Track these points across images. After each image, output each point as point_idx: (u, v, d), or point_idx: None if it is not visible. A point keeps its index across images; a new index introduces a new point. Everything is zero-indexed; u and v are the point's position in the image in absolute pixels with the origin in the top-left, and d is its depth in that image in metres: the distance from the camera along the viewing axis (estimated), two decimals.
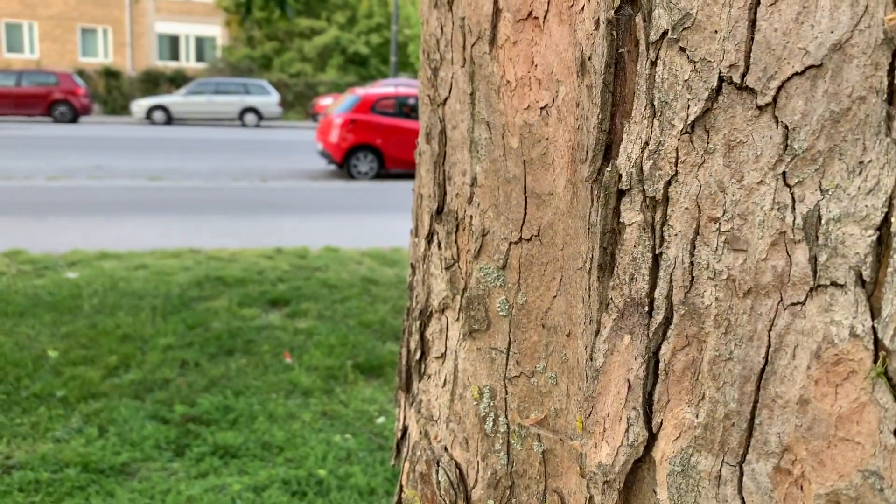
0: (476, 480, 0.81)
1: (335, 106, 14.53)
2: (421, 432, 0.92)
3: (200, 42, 38.91)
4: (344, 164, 13.28)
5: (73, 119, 24.39)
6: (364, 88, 15.55)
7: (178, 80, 30.03)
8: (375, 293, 5.65)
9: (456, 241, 0.83)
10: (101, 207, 9.29)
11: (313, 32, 35.81)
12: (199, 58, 38.47)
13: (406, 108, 13.43)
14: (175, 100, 25.48)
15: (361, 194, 11.51)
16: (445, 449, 0.86)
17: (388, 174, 13.48)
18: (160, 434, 3.27)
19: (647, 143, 0.55)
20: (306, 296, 5.49)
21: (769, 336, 0.50)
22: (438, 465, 0.86)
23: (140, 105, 25.30)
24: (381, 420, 3.55)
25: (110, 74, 29.37)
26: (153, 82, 29.85)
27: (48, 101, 24.06)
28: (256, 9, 6.95)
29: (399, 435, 1.02)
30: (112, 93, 29.32)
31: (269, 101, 26.11)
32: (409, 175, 12.42)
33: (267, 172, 13.49)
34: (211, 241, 7.51)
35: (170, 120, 25.16)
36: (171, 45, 38.55)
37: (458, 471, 0.84)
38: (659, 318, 0.56)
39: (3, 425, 3.33)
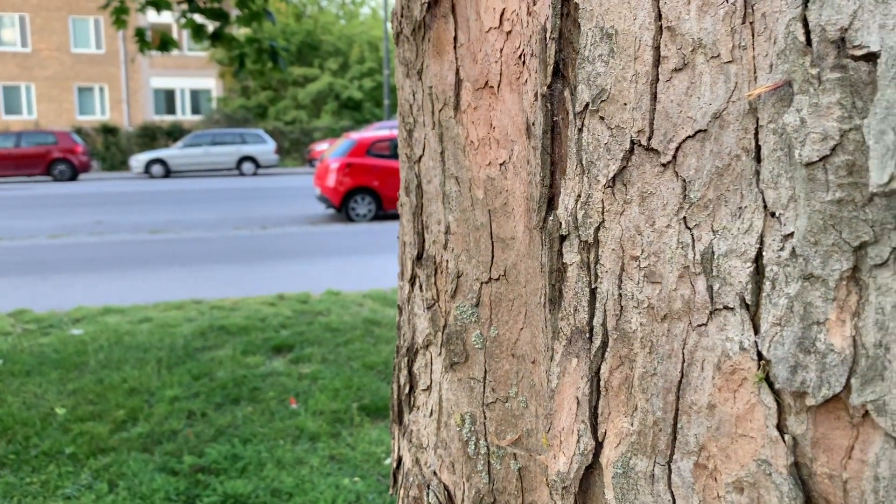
0: (462, 500, 0.89)
1: (331, 151, 14.74)
2: (413, 460, 1.00)
3: (196, 95, 39.48)
4: (342, 207, 13.44)
5: (73, 177, 24.66)
6: (359, 132, 15.78)
7: (174, 134, 30.42)
8: (378, 334, 5.72)
9: (435, 283, 0.92)
10: (104, 263, 9.39)
11: (307, 80, 36.35)
12: (195, 110, 39.01)
13: None
14: (173, 153, 25.79)
15: (361, 236, 11.62)
16: (434, 473, 0.94)
17: (387, 215, 13.62)
18: (170, 486, 3.30)
19: (579, 196, 0.65)
20: (309, 340, 5.56)
21: (683, 353, 0.59)
22: (429, 489, 0.94)
23: (138, 160, 25.61)
24: (388, 461, 3.59)
25: (108, 131, 29.77)
26: (150, 136, 30.24)
27: (47, 161, 24.35)
28: (250, 62, 7.12)
29: (395, 465, 1.10)
30: (110, 149, 29.69)
31: (265, 149, 26.43)
32: None
33: (267, 220, 13.63)
34: (213, 290, 7.58)
35: (168, 173, 25.44)
36: (167, 100, 39.11)
37: (446, 492, 0.92)
38: (598, 342, 0.66)
39: (13, 485, 3.37)
